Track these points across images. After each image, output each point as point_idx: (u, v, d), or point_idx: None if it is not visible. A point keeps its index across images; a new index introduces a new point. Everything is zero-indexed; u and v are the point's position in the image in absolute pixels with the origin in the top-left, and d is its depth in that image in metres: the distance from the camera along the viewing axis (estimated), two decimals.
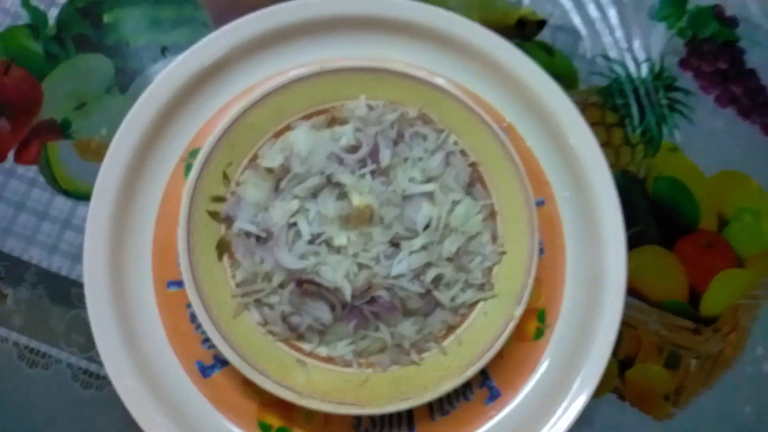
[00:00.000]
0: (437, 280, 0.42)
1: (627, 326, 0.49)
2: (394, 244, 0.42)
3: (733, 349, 0.49)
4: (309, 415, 0.42)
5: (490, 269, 0.43)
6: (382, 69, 0.45)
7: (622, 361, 0.48)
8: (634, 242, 0.49)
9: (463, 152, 0.45)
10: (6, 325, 0.45)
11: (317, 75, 0.44)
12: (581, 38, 0.54)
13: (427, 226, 0.42)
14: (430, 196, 0.43)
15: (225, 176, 0.43)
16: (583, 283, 0.45)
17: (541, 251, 0.46)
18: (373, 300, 0.41)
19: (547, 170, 0.47)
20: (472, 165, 0.45)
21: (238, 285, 0.42)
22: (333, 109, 0.45)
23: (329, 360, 0.42)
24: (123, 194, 0.43)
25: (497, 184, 0.45)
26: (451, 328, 0.43)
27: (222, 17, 0.46)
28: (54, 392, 0.44)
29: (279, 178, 0.43)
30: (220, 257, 0.42)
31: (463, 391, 0.44)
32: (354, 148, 0.43)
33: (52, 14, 0.51)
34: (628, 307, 0.47)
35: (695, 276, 0.50)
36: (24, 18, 0.50)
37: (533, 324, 0.45)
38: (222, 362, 0.43)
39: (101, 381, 0.45)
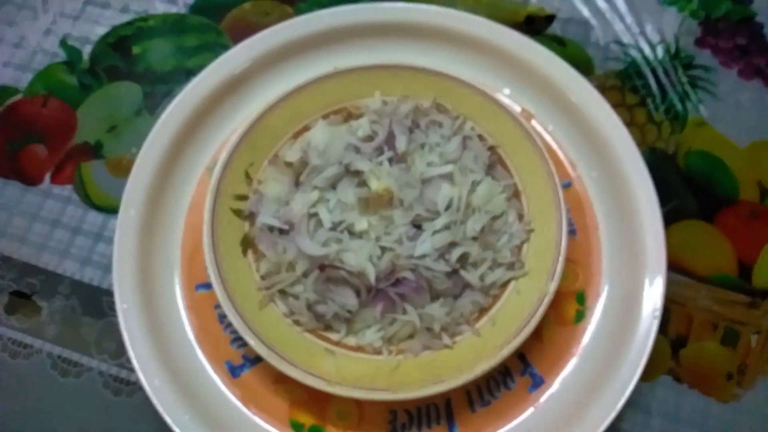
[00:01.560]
0: (463, 259, 0.40)
1: (675, 303, 0.45)
2: (416, 226, 0.41)
3: None
4: (342, 412, 0.41)
5: (518, 248, 0.42)
6: (393, 65, 0.46)
7: (674, 341, 0.45)
8: (671, 218, 0.47)
9: (480, 137, 0.45)
10: (40, 336, 0.45)
11: (331, 76, 0.45)
12: (592, 28, 0.54)
13: (448, 207, 0.41)
14: (449, 177, 0.42)
15: (247, 176, 0.44)
16: (622, 262, 0.43)
17: (574, 232, 0.44)
18: (398, 282, 0.40)
19: (570, 153, 0.47)
20: (491, 148, 0.44)
21: (262, 277, 0.41)
22: (349, 107, 0.46)
23: (358, 349, 0.40)
24: (150, 202, 0.44)
25: (518, 165, 0.44)
26: (483, 310, 0.41)
27: (242, 41, 0.49)
28: (86, 400, 0.44)
29: (298, 173, 0.43)
30: (244, 253, 0.42)
31: (504, 380, 0.42)
32: (370, 138, 0.43)
33: (86, 50, 0.55)
34: (673, 283, 0.45)
35: (742, 248, 0.47)
36: (61, 56, 0.55)
37: (573, 307, 0.43)
38: (251, 361, 0.42)
39: (131, 387, 0.44)
